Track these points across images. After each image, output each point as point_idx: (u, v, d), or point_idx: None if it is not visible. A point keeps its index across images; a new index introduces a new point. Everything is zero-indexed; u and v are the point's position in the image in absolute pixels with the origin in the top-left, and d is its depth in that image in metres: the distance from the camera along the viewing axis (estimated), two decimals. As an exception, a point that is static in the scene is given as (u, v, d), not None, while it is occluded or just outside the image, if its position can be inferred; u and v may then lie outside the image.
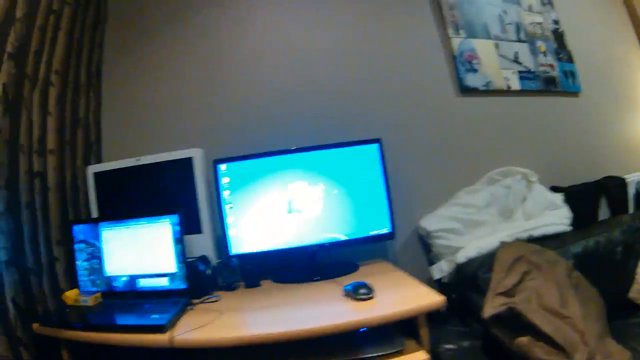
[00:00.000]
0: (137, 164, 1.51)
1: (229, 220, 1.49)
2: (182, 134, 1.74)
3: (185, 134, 1.74)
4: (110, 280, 1.38)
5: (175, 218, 1.35)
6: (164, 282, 1.34)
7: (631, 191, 2.06)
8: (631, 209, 2.03)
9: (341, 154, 1.52)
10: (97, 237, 1.40)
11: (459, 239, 1.64)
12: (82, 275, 1.40)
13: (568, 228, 1.76)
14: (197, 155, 1.47)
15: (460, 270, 1.52)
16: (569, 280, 1.40)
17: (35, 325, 1.21)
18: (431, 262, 1.69)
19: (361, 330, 1.15)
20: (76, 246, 1.41)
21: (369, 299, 1.17)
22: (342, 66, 1.83)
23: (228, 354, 1.13)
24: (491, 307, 1.28)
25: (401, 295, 1.22)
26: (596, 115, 2.12)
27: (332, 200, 1.50)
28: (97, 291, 1.36)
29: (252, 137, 1.72)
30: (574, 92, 2.07)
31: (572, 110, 2.06)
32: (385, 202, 1.52)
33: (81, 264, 1.40)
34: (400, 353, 1.12)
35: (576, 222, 1.80)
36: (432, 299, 1.14)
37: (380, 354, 1.11)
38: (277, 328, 1.08)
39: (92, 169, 1.55)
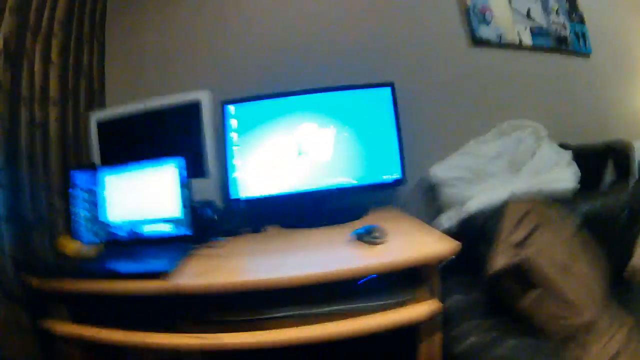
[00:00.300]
0: (142, 110, 1.43)
1: (236, 163, 1.42)
2: (189, 77, 1.66)
3: (192, 77, 1.65)
4: (111, 228, 1.32)
5: (180, 161, 1.28)
6: (167, 228, 1.27)
7: (637, 156, 2.01)
8: (635, 174, 1.99)
9: (352, 97, 1.45)
10: (99, 184, 1.33)
11: (468, 188, 1.58)
12: (83, 225, 1.33)
13: (576, 186, 1.71)
14: (204, 97, 1.40)
15: (470, 220, 1.47)
16: (577, 237, 1.35)
17: (34, 281, 1.13)
18: (439, 211, 1.63)
19: (369, 277, 1.09)
20: (77, 194, 1.34)
21: (381, 243, 1.11)
22: (355, 8, 1.73)
23: (232, 301, 1.08)
24: (500, 259, 1.23)
25: (414, 242, 1.16)
26: (605, 78, 2.04)
27: (342, 144, 1.44)
28: (99, 241, 1.30)
29: (262, 79, 1.64)
30: (584, 54, 1.98)
31: (582, 71, 1.98)
32: (396, 147, 1.46)
33: (82, 213, 1.34)
34: (411, 301, 1.08)
35: (582, 182, 1.75)
36: (446, 245, 1.08)
37: (389, 301, 1.07)
38: (283, 273, 1.03)
39: (95, 116, 1.47)
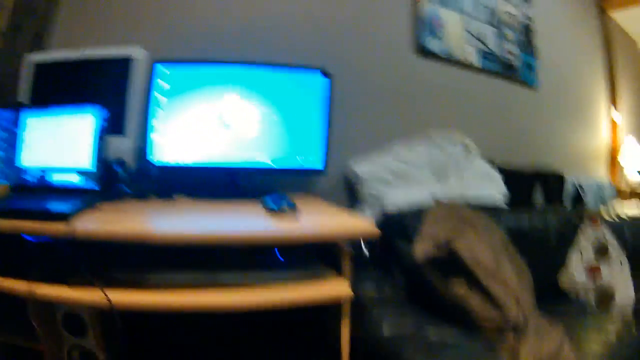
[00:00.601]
0: (78, 58, 1.35)
1: (156, 126, 1.35)
2: (129, 31, 1.55)
3: (132, 31, 1.55)
4: (22, 171, 1.23)
5: (100, 111, 1.21)
6: (76, 180, 1.20)
7: (569, 188, 2.07)
8: (566, 203, 2.05)
9: (285, 77, 1.41)
10: (18, 124, 1.23)
11: (387, 189, 1.56)
12: (-7, 165, 1.23)
13: (503, 204, 1.73)
14: (138, 54, 1.33)
15: (387, 218, 1.45)
16: (503, 249, 1.34)
17: None
18: (356, 207, 1.61)
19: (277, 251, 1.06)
20: (-4, 133, 1.24)
21: (292, 212, 1.07)
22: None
23: (133, 260, 1.01)
24: (424, 247, 1.20)
25: (328, 218, 1.13)
26: (548, 112, 2.14)
27: (267, 123, 1.38)
28: (7, 183, 1.21)
29: (199, 45, 1.56)
30: (531, 86, 2.06)
31: (526, 101, 2.07)
32: (320, 135, 1.42)
33: (-5, 155, 1.23)
34: (318, 279, 1.03)
35: (510, 204, 1.78)
36: (361, 224, 1.05)
37: (296, 276, 1.02)
38: (187, 230, 0.97)
39: (34, 58, 1.37)
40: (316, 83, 1.42)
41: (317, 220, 1.10)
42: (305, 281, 1.02)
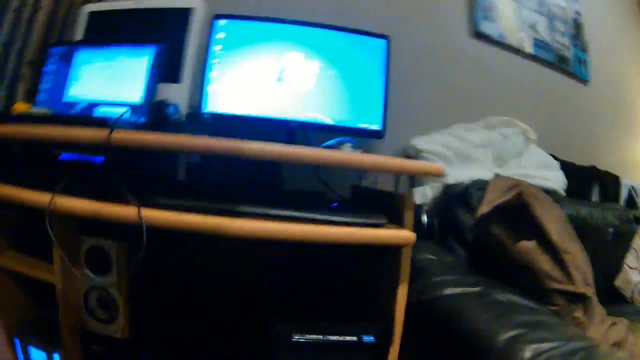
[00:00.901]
0: (133, 6, 1.31)
1: (212, 76, 1.28)
2: None
3: None
4: (68, 104, 1.16)
5: (157, 49, 1.15)
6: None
7: (623, 192, 1.92)
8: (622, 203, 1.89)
9: (347, 40, 1.33)
10: (72, 60, 1.19)
11: (448, 167, 1.45)
12: (43, 96, 1.18)
13: (562, 192, 1.59)
14: (197, 5, 1.28)
15: (448, 190, 1.32)
16: (568, 226, 1.20)
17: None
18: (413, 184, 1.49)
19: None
20: (49, 68, 1.20)
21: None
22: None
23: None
24: (491, 203, 1.06)
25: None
26: (600, 108, 2.01)
27: (326, 80, 1.30)
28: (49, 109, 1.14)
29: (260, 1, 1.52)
30: (583, 79, 1.96)
31: (579, 95, 1.96)
32: (380, 100, 1.32)
33: (45, 85, 1.19)
34: (382, 227, 0.91)
35: (568, 194, 1.64)
36: (426, 165, 0.95)
37: (361, 221, 0.90)
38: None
39: (88, 7, 1.35)
40: (378, 50, 1.35)
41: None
42: (367, 223, 0.90)
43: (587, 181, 1.80)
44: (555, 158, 1.71)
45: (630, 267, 1.63)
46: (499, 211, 1.02)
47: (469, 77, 1.73)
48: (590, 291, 1.02)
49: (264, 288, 1.15)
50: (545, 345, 0.72)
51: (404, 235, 0.91)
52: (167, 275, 1.22)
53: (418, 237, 0.95)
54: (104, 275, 0.98)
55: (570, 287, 0.96)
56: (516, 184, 1.21)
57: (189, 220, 0.82)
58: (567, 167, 1.70)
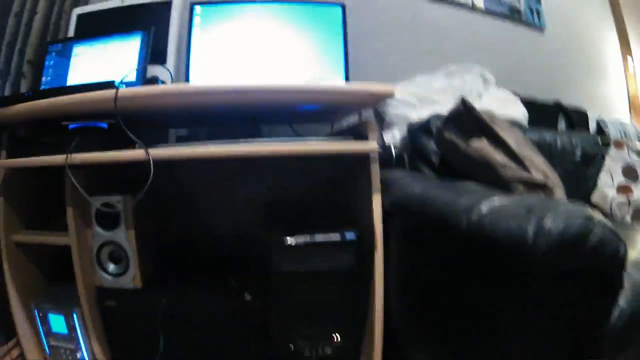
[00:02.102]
0: (118, 5, 1.52)
1: (194, 54, 1.46)
2: None
3: None
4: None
5: (144, 35, 1.34)
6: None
7: (592, 125, 2.08)
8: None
9: (309, 10, 1.51)
10: (69, 54, 1.39)
11: (413, 111, 1.60)
12: (44, 87, 1.37)
13: (525, 124, 1.75)
14: None
15: (412, 126, 1.49)
16: (528, 143, 1.35)
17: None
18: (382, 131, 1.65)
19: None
20: (47, 64, 1.39)
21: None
22: None
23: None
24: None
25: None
26: (559, 53, 2.18)
27: (293, 47, 1.47)
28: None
29: None
30: (538, 27, 2.13)
31: (536, 42, 2.13)
32: (342, 67, 1.48)
33: (46, 78, 1.38)
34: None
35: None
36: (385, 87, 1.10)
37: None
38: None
39: (77, 11, 1.55)
40: (336, 16, 1.52)
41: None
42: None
43: (552, 115, 1.96)
44: (521, 98, 1.86)
45: (606, 186, 1.77)
46: (449, 120, 1.20)
47: (426, 35, 1.92)
48: (550, 184, 1.13)
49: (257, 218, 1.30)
50: (502, 201, 0.84)
51: (369, 145, 1.09)
52: (171, 220, 1.38)
53: (389, 167, 1.13)
54: (114, 230, 1.13)
55: (526, 175, 1.09)
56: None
57: (192, 150, 1.01)
58: (530, 104, 1.85)
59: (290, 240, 1.03)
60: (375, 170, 1.10)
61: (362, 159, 1.13)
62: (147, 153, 0.99)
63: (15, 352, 1.22)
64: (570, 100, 2.10)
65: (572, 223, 0.70)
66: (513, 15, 2.06)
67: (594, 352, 0.78)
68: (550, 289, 0.77)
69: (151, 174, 0.99)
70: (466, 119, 1.17)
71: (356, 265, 1.05)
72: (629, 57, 2.54)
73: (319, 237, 1.04)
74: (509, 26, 2.08)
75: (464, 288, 0.93)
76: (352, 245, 1.05)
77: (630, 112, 2.55)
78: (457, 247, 0.94)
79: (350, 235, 1.05)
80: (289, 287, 1.04)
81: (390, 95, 1.10)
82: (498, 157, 1.12)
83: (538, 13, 2.13)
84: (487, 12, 2.01)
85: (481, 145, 1.13)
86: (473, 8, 2.00)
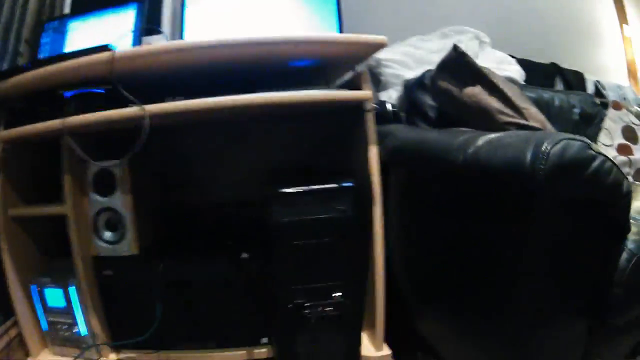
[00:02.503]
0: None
1: (188, 21, 1.45)
2: None
3: None
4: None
5: (139, 6, 1.37)
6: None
7: (590, 87, 2.07)
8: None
9: None
10: (65, 30, 1.41)
11: (408, 71, 1.62)
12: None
13: (522, 82, 1.75)
14: None
15: (407, 82, 1.50)
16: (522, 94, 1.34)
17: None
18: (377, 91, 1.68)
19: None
20: (44, 40, 1.41)
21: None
22: None
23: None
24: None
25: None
26: (555, 14, 2.17)
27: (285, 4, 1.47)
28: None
29: None
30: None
31: (527, 4, 2.11)
32: (335, 23, 1.46)
33: (43, 55, 1.41)
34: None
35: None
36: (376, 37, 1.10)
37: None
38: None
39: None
40: None
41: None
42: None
43: (549, 76, 1.95)
44: (517, 59, 1.87)
45: (605, 145, 1.77)
46: (442, 67, 1.20)
47: None
48: (550, 129, 1.13)
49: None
50: (498, 135, 0.84)
51: (363, 94, 1.11)
52: (169, 188, 1.39)
53: (385, 122, 1.13)
54: (111, 196, 1.13)
55: (523, 121, 1.08)
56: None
57: (186, 103, 1.01)
58: (526, 64, 1.85)
59: (286, 189, 1.03)
60: (370, 119, 1.11)
61: (357, 111, 1.13)
62: (143, 109, 1.00)
63: (13, 332, 1.22)
64: (565, 62, 2.09)
65: (571, 146, 0.69)
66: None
67: (603, 297, 0.76)
68: (552, 224, 0.75)
69: (147, 129, 1.00)
70: (459, 65, 1.17)
71: (355, 212, 1.04)
72: (624, 25, 2.53)
73: (316, 186, 1.04)
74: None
75: (463, 230, 0.93)
76: (349, 192, 1.04)
77: (628, 78, 2.53)
78: (455, 186, 0.95)
79: (347, 183, 1.05)
80: (288, 239, 1.03)
81: (382, 46, 1.10)
82: (494, 103, 1.11)
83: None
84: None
85: (475, 91, 1.13)
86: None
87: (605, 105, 1.86)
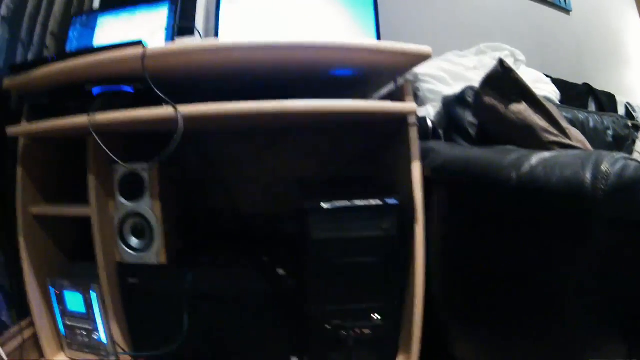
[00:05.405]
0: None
1: (222, 24, 1.38)
2: None
3: None
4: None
5: (172, 4, 1.30)
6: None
7: (621, 109, 2.02)
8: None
9: None
10: (94, 25, 1.35)
11: (445, 87, 1.56)
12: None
13: (557, 102, 1.69)
14: None
15: (446, 98, 1.44)
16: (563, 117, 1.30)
17: (5, 82, 1.08)
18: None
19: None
20: (72, 35, 1.35)
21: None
22: None
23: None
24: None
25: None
26: (586, 37, 2.13)
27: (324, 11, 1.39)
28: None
29: None
30: (565, 9, 2.09)
31: (564, 24, 2.09)
32: (373, 32, 1.38)
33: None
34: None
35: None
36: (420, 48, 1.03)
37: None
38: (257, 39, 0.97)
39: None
40: None
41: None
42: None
43: (582, 96, 1.90)
44: (552, 78, 1.81)
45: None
46: (487, 82, 1.13)
47: (459, 9, 1.89)
48: (588, 149, 1.09)
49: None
50: (550, 154, 0.81)
51: (408, 106, 1.03)
52: (199, 195, 1.32)
53: (425, 138, 1.06)
54: (139, 200, 1.06)
55: (567, 141, 1.03)
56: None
57: (223, 107, 0.93)
58: (561, 84, 1.80)
59: (327, 204, 0.96)
60: (414, 134, 1.05)
61: (399, 124, 1.06)
62: (176, 109, 0.93)
63: (28, 333, 1.15)
64: (595, 83, 2.04)
65: (629, 166, 0.69)
66: (541, -3, 2.01)
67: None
68: (605, 243, 0.72)
69: (180, 131, 0.93)
70: (505, 80, 1.11)
71: (398, 232, 0.98)
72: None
73: (359, 202, 0.97)
74: (537, 6, 2.02)
75: (511, 249, 0.88)
76: (394, 210, 0.98)
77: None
78: (504, 204, 0.89)
79: (391, 200, 0.98)
80: (326, 257, 0.97)
81: (427, 57, 1.03)
82: (540, 121, 1.06)
83: (564, -4, 2.08)
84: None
85: (521, 108, 1.07)
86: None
87: (636, 128, 1.81)
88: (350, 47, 0.99)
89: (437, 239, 1.10)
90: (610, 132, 1.66)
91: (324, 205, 0.96)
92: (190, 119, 0.94)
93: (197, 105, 0.95)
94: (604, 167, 0.68)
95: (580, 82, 1.97)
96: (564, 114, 1.54)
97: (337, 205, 0.97)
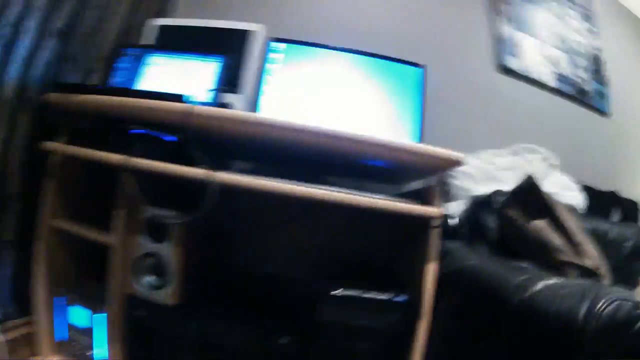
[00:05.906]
0: (199, 25, 1.53)
1: (266, 89, 1.44)
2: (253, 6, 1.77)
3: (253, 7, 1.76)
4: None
5: (222, 59, 1.33)
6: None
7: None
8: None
9: (389, 67, 1.47)
10: (144, 61, 1.39)
11: (476, 186, 1.58)
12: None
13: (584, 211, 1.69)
14: (258, 29, 1.47)
15: (474, 199, 1.45)
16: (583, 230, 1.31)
17: (52, 97, 1.12)
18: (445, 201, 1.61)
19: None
20: (120, 65, 1.39)
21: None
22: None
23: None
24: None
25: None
26: (620, 140, 2.12)
27: (366, 106, 1.43)
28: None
29: (309, 29, 1.73)
30: (604, 112, 2.09)
31: (600, 126, 2.08)
32: (419, 124, 1.43)
33: (116, 79, 1.37)
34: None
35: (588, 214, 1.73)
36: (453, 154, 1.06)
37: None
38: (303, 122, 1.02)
39: (161, 21, 1.57)
40: (415, 77, 1.47)
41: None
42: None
43: (607, 205, 1.89)
44: (580, 184, 1.81)
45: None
46: (513, 196, 1.16)
47: (496, 107, 1.90)
48: (602, 272, 1.10)
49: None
50: (554, 281, 0.87)
51: (432, 210, 1.05)
52: (219, 248, 1.33)
53: (447, 237, 1.08)
54: (162, 243, 1.10)
55: (581, 262, 1.07)
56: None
57: (259, 182, 0.98)
58: (588, 191, 1.79)
59: (339, 291, 0.98)
60: (435, 237, 1.06)
61: (423, 223, 1.08)
62: (213, 175, 0.96)
63: (24, 330, 1.19)
64: (625, 188, 2.03)
65: (623, 307, 0.76)
66: (581, 96, 2.02)
67: None
68: None
69: (215, 197, 0.97)
70: (531, 197, 1.16)
71: (402, 328, 1.01)
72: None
73: (369, 294, 0.99)
74: (575, 107, 2.03)
75: None
76: (401, 307, 1.01)
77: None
78: (505, 321, 0.94)
79: (400, 298, 1.00)
80: (330, 338, 1.01)
81: (460, 164, 1.06)
82: (556, 240, 1.11)
83: (605, 97, 2.09)
84: (557, 91, 1.98)
85: (541, 225, 1.12)
86: (544, 85, 1.96)
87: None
88: (390, 146, 1.03)
89: (439, 336, 1.10)
90: (629, 244, 1.64)
91: (334, 292, 0.98)
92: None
93: (233, 175, 0.98)
94: (599, 307, 0.76)
95: (608, 184, 1.96)
96: (586, 224, 1.53)
97: (347, 294, 0.99)
